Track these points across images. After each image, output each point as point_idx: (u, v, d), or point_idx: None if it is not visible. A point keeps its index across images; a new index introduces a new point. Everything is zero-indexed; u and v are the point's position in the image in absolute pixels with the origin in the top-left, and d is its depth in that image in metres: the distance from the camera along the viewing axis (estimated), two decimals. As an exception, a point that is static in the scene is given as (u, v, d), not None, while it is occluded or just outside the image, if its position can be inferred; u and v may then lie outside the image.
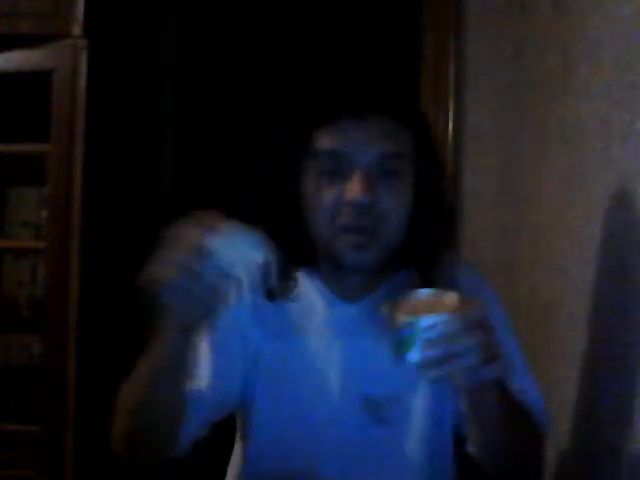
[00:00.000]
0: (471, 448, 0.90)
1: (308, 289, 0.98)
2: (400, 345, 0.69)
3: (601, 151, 1.05)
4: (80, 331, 1.83)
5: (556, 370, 1.27)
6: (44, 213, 1.93)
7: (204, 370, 0.90)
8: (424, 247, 0.96)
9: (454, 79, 1.79)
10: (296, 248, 0.96)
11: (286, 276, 0.97)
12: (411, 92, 1.01)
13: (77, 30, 1.82)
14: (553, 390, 1.26)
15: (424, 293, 0.73)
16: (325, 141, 0.90)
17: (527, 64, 1.64)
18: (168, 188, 2.73)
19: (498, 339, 0.95)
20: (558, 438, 1.18)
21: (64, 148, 1.84)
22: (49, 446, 1.83)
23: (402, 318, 0.69)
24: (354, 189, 0.87)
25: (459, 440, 0.97)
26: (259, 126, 2.44)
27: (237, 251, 0.72)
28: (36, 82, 1.85)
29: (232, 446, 1.06)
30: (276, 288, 0.95)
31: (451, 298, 0.71)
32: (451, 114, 1.79)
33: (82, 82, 1.83)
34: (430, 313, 0.68)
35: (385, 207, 0.89)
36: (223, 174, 2.66)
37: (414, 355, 0.68)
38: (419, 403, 0.95)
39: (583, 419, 1.10)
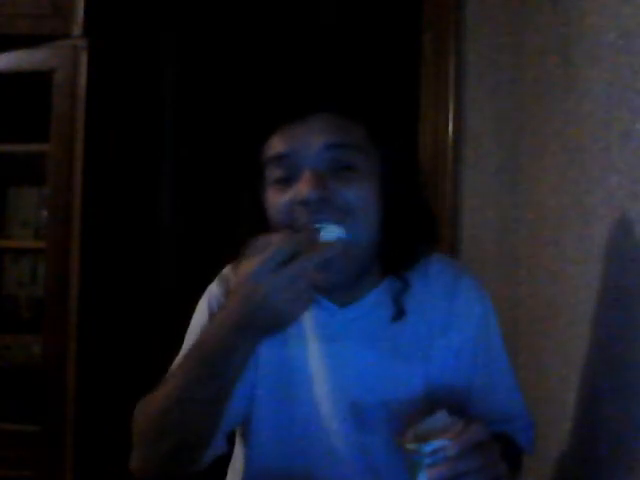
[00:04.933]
0: None
1: None
2: (410, 468, 0.75)
3: (601, 151, 1.05)
4: (80, 331, 1.83)
5: (556, 370, 1.27)
6: (44, 213, 1.93)
7: None
8: (401, 249, 0.93)
9: (454, 79, 1.79)
10: None
11: None
12: (373, 86, 0.95)
13: (77, 30, 1.82)
14: (553, 390, 1.26)
15: (434, 420, 0.78)
16: (271, 148, 0.88)
17: (527, 64, 1.65)
18: (168, 188, 2.73)
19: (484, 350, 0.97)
20: (558, 438, 1.18)
21: (64, 148, 1.84)
22: (49, 446, 1.83)
23: (408, 446, 0.75)
24: (301, 188, 0.84)
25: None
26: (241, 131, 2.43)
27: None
28: (36, 82, 1.84)
29: (232, 447, 1.07)
30: None
31: (458, 424, 0.75)
32: (451, 114, 1.79)
33: (82, 82, 1.83)
34: (436, 439, 0.73)
35: (346, 201, 0.85)
36: (220, 173, 2.66)
37: (422, 478, 0.73)
38: (406, 410, 0.93)
39: (583, 419, 1.10)
